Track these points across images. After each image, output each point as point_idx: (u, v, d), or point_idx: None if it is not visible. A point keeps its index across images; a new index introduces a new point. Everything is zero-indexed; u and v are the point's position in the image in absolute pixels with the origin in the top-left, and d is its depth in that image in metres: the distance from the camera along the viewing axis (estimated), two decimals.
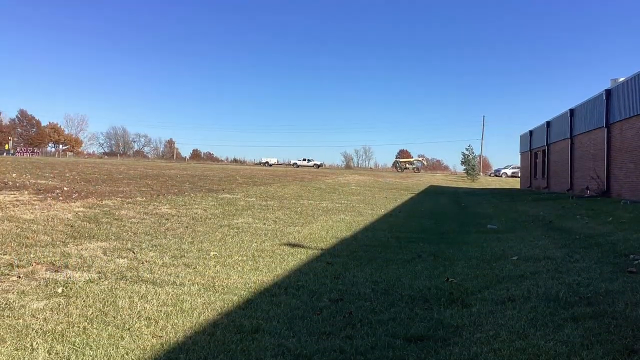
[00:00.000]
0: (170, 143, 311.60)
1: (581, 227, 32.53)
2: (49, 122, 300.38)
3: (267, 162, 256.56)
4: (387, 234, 30.88)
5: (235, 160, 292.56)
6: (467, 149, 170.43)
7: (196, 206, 36.97)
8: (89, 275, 16.93)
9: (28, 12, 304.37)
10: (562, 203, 52.63)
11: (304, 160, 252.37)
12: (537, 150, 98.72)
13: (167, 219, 30.44)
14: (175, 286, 16.31)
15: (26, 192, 35.91)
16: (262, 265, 20.24)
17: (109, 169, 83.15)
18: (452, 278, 18.61)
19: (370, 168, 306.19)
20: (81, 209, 30.83)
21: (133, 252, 20.91)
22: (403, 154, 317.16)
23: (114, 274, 17.28)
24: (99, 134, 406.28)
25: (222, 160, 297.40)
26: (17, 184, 39.54)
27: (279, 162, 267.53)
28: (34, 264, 17.65)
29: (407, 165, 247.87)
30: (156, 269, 18.29)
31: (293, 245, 25.02)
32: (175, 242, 24.11)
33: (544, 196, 70.15)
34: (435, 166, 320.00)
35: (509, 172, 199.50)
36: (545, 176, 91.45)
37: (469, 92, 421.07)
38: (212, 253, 22.00)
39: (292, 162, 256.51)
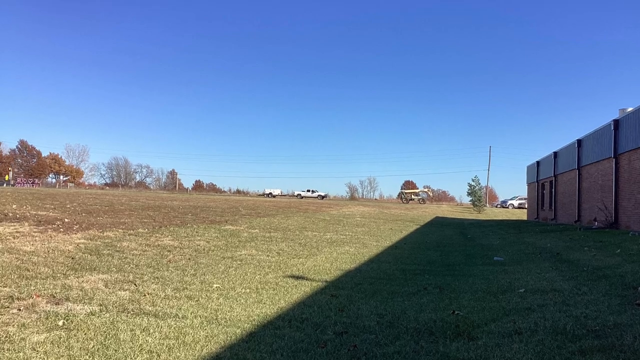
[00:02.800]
0: (172, 174, 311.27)
1: (589, 259, 32.29)
2: (50, 153, 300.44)
3: (270, 193, 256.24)
4: (392, 266, 30.72)
5: (238, 192, 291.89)
6: (473, 180, 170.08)
7: (199, 238, 36.84)
8: (90, 307, 16.77)
9: (28, 42, 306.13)
10: (570, 235, 52.29)
11: (308, 191, 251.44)
12: (544, 181, 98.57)
13: (169, 251, 30.31)
14: (177, 319, 16.15)
15: (27, 224, 35.81)
16: (265, 298, 20.07)
17: (110, 200, 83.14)
18: (458, 311, 18.43)
19: (375, 199, 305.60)
20: (82, 240, 30.70)
21: (135, 285, 20.75)
22: (408, 184, 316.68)
23: (116, 307, 17.11)
24: (100, 164, 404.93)
25: (224, 191, 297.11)
26: (18, 215, 39.45)
27: (283, 193, 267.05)
28: (35, 297, 17.49)
29: (413, 197, 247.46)
30: (158, 302, 18.12)
31: (297, 278, 24.85)
32: (178, 274, 23.95)
33: (551, 228, 69.79)
34: (441, 197, 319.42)
35: (515, 203, 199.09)
36: (553, 207, 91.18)
37: (475, 123, 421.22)
38: (214, 285, 21.85)
39: (296, 193, 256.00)
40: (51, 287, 19.25)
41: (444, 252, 40.18)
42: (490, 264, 33.28)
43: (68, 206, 55.66)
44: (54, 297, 17.89)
